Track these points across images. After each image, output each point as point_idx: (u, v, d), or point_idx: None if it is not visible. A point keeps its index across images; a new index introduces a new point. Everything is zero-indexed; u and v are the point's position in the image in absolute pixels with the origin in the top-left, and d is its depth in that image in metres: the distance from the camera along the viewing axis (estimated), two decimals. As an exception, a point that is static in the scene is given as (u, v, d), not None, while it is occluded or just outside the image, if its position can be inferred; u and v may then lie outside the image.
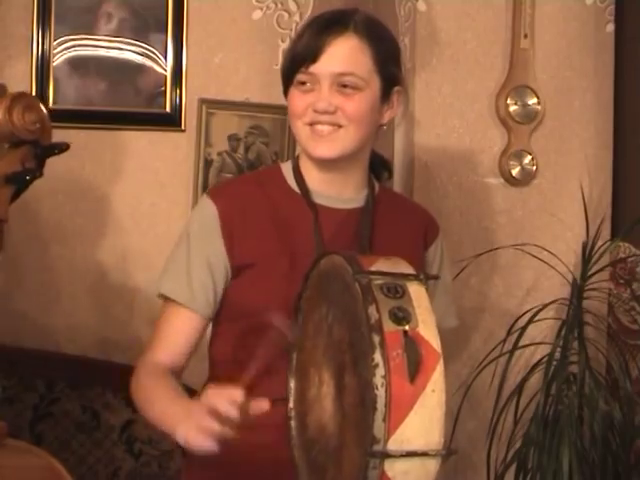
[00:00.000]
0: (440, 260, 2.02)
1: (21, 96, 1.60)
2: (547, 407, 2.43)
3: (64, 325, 2.59)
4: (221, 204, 1.86)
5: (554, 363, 2.45)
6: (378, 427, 1.37)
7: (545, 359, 2.47)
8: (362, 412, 1.41)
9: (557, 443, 2.39)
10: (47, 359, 2.52)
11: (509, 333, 2.47)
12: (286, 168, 1.93)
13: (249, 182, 1.99)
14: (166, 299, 1.87)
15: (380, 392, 1.37)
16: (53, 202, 2.55)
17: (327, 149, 1.82)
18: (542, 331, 2.50)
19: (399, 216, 1.97)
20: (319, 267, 1.62)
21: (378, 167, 1.99)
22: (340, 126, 1.81)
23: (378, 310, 1.42)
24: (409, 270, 1.53)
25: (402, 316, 1.42)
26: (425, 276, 1.51)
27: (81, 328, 2.59)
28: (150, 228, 2.61)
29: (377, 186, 1.96)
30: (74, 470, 1.95)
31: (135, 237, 2.61)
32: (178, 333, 1.85)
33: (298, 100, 1.83)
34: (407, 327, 1.41)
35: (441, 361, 1.41)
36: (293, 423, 1.66)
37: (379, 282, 1.46)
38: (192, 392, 1.95)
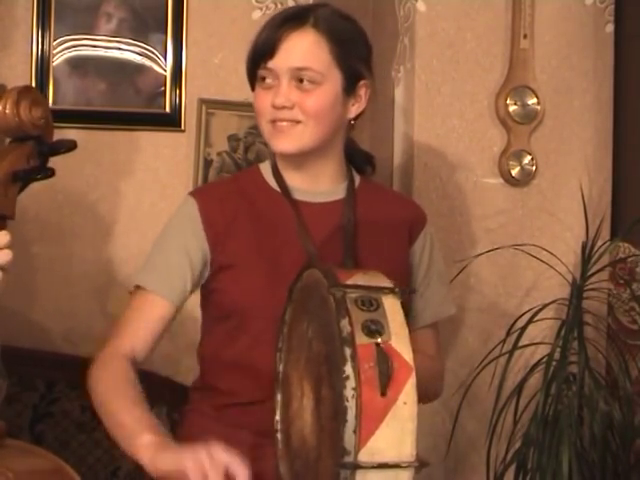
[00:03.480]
0: (430, 250, 2.01)
1: (28, 90, 1.57)
2: (547, 407, 2.43)
3: (64, 326, 2.59)
4: (202, 201, 1.87)
5: (554, 363, 2.45)
6: (348, 438, 1.37)
7: (545, 359, 2.47)
8: (336, 424, 1.42)
9: (557, 443, 2.39)
10: (47, 359, 2.52)
11: (509, 333, 2.47)
12: (265, 167, 1.94)
13: (229, 183, 2.01)
14: (136, 288, 1.85)
15: (350, 404, 1.37)
16: (52, 202, 2.55)
17: (287, 144, 1.83)
18: (542, 331, 2.50)
19: (383, 207, 1.97)
20: (302, 280, 1.64)
21: (361, 162, 2.00)
22: (298, 121, 1.81)
23: (351, 323, 1.42)
24: (386, 283, 1.53)
25: (375, 329, 1.43)
26: (400, 289, 1.51)
27: (81, 329, 2.59)
28: (150, 228, 2.59)
29: (358, 178, 1.97)
30: (74, 470, 1.95)
31: (135, 237, 2.61)
32: (144, 320, 1.83)
33: (260, 98, 1.84)
34: (380, 340, 1.42)
35: (413, 374, 1.41)
36: (279, 435, 1.67)
37: (354, 295, 1.47)
38: (184, 389, 1.96)
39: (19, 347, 2.47)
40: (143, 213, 2.64)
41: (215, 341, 1.90)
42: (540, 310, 2.48)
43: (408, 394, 1.40)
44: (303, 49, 1.79)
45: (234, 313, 1.84)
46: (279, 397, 1.67)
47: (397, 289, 1.50)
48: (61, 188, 2.49)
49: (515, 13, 2.61)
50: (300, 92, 1.79)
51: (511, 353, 2.44)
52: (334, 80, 1.82)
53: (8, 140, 1.57)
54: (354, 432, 1.37)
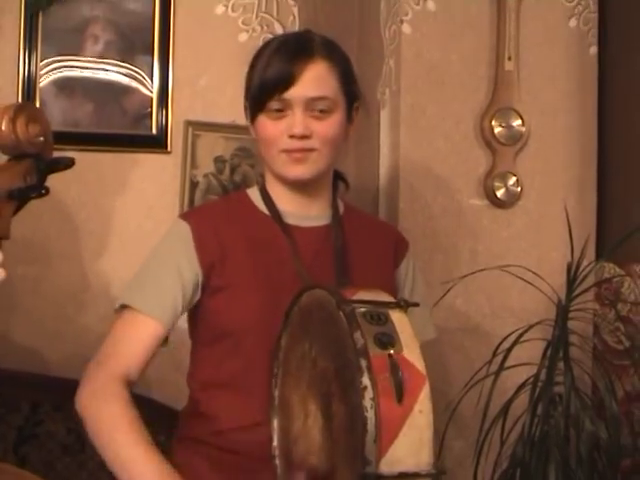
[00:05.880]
0: (413, 274, 2.05)
1: (25, 107, 1.54)
2: (533, 427, 2.43)
3: (49, 347, 2.58)
4: (194, 223, 1.88)
5: (540, 384, 2.45)
6: (369, 449, 1.39)
7: (531, 380, 2.47)
8: (352, 437, 1.43)
9: (544, 463, 2.39)
10: (31, 380, 2.50)
11: (495, 354, 2.47)
12: (253, 193, 1.96)
13: (219, 206, 2.02)
14: (123, 307, 1.84)
15: (370, 414, 1.39)
16: (38, 223, 2.55)
17: (304, 171, 1.85)
18: (527, 352, 2.50)
19: (367, 232, 2.00)
20: (300, 303, 1.65)
21: (334, 179, 2.01)
22: (313, 149, 1.82)
23: (363, 336, 1.45)
24: (389, 299, 1.57)
25: (386, 341, 1.46)
26: (406, 303, 1.54)
27: (66, 350, 2.58)
28: (136, 249, 2.58)
29: (342, 204, 1.99)
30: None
31: (121, 258, 2.61)
32: (135, 341, 1.82)
33: (271, 127, 1.84)
34: (392, 351, 1.45)
35: (427, 383, 1.44)
36: (277, 461, 1.67)
37: (362, 310, 1.50)
38: (174, 412, 1.95)
39: (3, 368, 2.46)
40: (129, 234, 2.64)
41: (207, 365, 1.89)
42: (526, 331, 2.47)
43: (423, 403, 1.43)
44: (318, 79, 1.83)
45: (227, 335, 1.84)
46: (276, 423, 1.68)
47: (403, 303, 1.54)
48: (47, 209, 2.49)
49: (500, 35, 2.62)
50: (315, 121, 1.82)
51: (497, 374, 2.43)
52: (341, 106, 1.87)
53: (8, 158, 1.56)
54: (374, 442, 1.39)
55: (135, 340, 1.81)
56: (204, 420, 1.87)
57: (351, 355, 1.44)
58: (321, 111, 1.82)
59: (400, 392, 1.41)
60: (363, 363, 1.41)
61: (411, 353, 1.46)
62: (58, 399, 2.47)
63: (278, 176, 1.89)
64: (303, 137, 1.82)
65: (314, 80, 1.82)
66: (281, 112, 1.83)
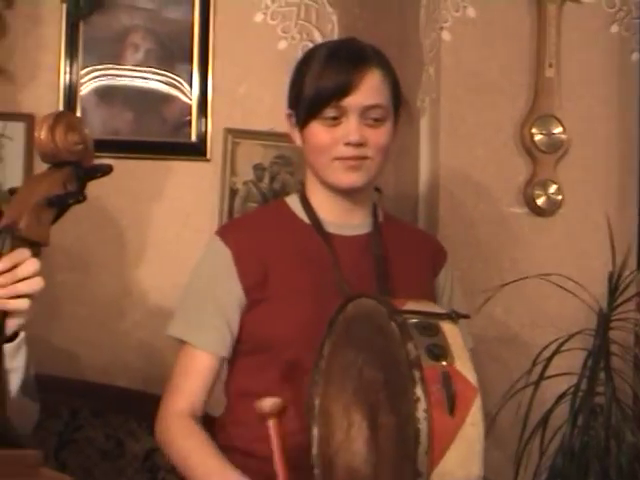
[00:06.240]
0: (451, 284, 2.05)
1: (64, 115, 1.56)
2: (573, 438, 2.41)
3: (88, 353, 2.59)
4: (233, 243, 1.88)
5: (580, 394, 2.43)
6: (421, 461, 1.39)
7: (571, 390, 2.45)
8: (401, 448, 1.43)
9: (583, 475, 2.37)
10: (71, 386, 2.52)
11: (534, 364, 2.45)
12: (292, 201, 1.96)
13: (258, 216, 2.03)
14: (180, 342, 1.91)
15: (422, 425, 1.39)
16: (78, 231, 2.56)
17: (357, 179, 1.86)
18: (567, 362, 2.48)
19: (406, 241, 2.00)
20: (345, 312, 1.64)
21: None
22: (366, 157, 1.83)
23: (416, 347, 1.45)
24: (439, 310, 1.57)
25: (438, 353, 1.46)
26: (456, 314, 1.53)
27: (105, 356, 2.59)
28: (174, 258, 2.61)
29: (381, 213, 1.99)
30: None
31: (159, 266, 2.62)
32: (195, 376, 1.89)
33: (324, 135, 1.85)
34: (444, 363, 1.45)
35: (478, 395, 1.44)
36: (317, 470, 1.67)
37: (413, 321, 1.50)
38: (210, 419, 1.96)
39: (44, 374, 2.48)
40: (168, 242, 2.64)
41: (245, 374, 1.90)
42: (566, 340, 2.45)
43: (475, 415, 1.43)
44: (374, 87, 1.84)
45: (267, 345, 1.85)
46: (315, 431, 1.67)
47: (453, 314, 1.53)
48: (87, 216, 2.50)
49: (540, 42, 2.61)
50: (370, 129, 1.84)
51: (537, 384, 2.42)
52: (392, 114, 1.88)
53: (49, 166, 1.57)
54: (426, 454, 1.38)
55: (194, 375, 1.89)
56: (240, 428, 1.89)
57: (403, 366, 1.43)
58: (375, 119, 1.84)
59: (452, 404, 1.41)
60: (416, 374, 1.41)
61: (463, 365, 1.46)
62: (97, 405, 2.48)
63: (327, 184, 1.89)
64: (358, 145, 1.83)
65: (371, 88, 1.84)
66: (336, 120, 1.83)
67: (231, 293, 1.87)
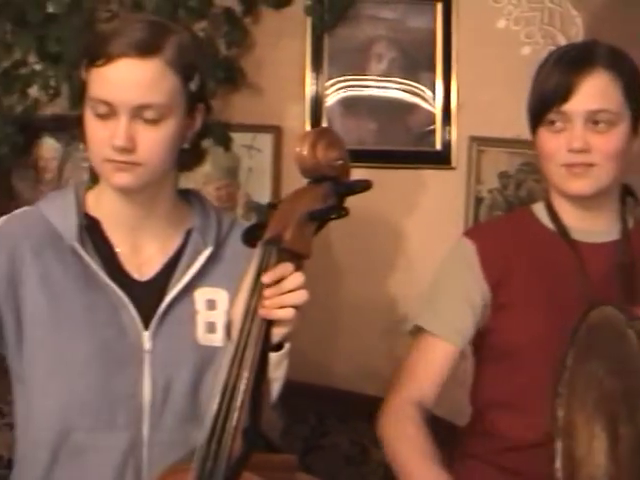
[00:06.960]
0: None
1: (325, 132, 1.62)
2: None
3: (335, 360, 2.64)
4: (479, 243, 1.88)
5: None
6: None
7: None
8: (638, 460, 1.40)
9: None
10: (319, 393, 2.57)
11: None
12: (538, 208, 1.94)
13: (503, 222, 2.03)
14: (418, 331, 1.90)
15: None
16: (326, 239, 2.61)
17: (585, 186, 1.81)
18: None
19: None
20: (588, 320, 1.61)
21: (622, 194, 1.94)
22: (593, 164, 1.77)
23: None
24: None
25: None
26: None
27: (351, 364, 2.63)
28: (420, 267, 2.60)
29: (631, 220, 1.93)
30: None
31: (406, 275, 2.64)
32: (431, 365, 1.88)
33: (550, 141, 1.82)
34: None
35: None
36: None
37: None
38: (452, 427, 1.96)
39: (293, 380, 2.55)
40: (413, 251, 2.67)
41: (489, 383, 1.90)
42: None
43: None
44: (599, 91, 1.79)
45: (510, 353, 1.84)
46: (559, 444, 1.64)
47: None
48: (333, 225, 2.55)
49: None
50: (596, 134, 1.79)
51: None
52: (626, 119, 1.82)
53: (307, 181, 1.62)
54: None
55: (431, 364, 1.88)
56: (485, 439, 1.88)
57: None
58: (601, 124, 1.78)
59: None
60: None
61: None
62: (343, 411, 2.53)
63: (559, 191, 1.86)
64: (582, 151, 1.78)
65: (594, 92, 1.78)
66: (559, 125, 1.79)
67: (476, 286, 1.87)
